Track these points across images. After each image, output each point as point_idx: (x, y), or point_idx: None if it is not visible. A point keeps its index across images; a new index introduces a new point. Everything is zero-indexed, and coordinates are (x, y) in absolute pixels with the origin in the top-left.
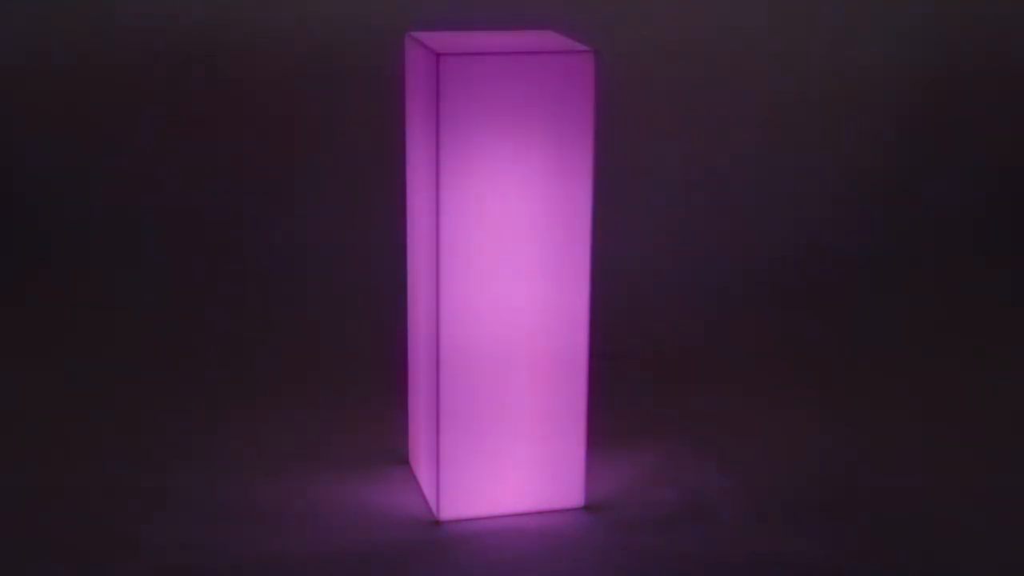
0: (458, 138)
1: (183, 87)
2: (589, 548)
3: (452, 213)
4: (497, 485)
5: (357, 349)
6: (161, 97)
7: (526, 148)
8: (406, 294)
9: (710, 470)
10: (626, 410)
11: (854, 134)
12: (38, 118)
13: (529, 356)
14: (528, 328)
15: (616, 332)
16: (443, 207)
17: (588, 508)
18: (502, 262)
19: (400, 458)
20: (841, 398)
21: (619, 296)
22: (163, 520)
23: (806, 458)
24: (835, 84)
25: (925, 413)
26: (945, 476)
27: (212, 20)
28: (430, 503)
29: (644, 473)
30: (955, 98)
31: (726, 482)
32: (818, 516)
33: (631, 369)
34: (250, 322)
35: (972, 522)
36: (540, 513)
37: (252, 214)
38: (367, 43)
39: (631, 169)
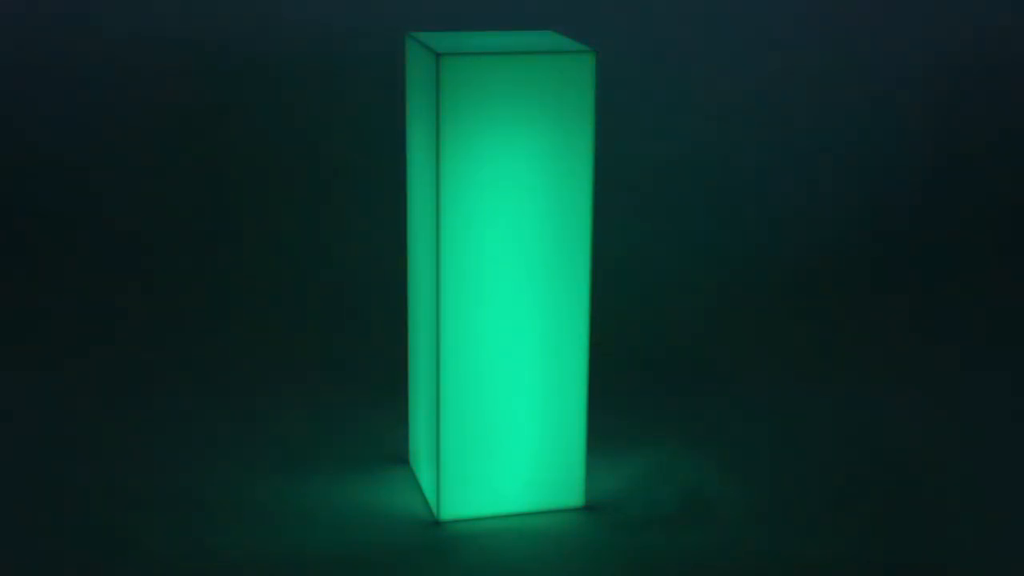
0: (458, 138)
1: (182, 87)
2: (589, 548)
3: (452, 213)
4: (497, 485)
5: (357, 349)
6: (159, 96)
7: (526, 148)
8: (406, 294)
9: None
10: (626, 410)
11: (857, 134)
12: (37, 115)
13: (529, 356)
14: (528, 328)
15: (616, 332)
16: (443, 207)
17: (588, 508)
18: (502, 262)
19: (400, 458)
20: (842, 397)
21: (619, 296)
22: (163, 520)
23: (807, 457)
24: (838, 83)
25: (928, 412)
26: (947, 475)
27: (212, 20)
28: (430, 503)
29: (644, 473)
30: (963, 97)
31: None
32: (819, 515)
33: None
34: (250, 322)
35: (974, 521)
36: (540, 513)
37: (252, 213)
38: (367, 43)
39: (631, 169)
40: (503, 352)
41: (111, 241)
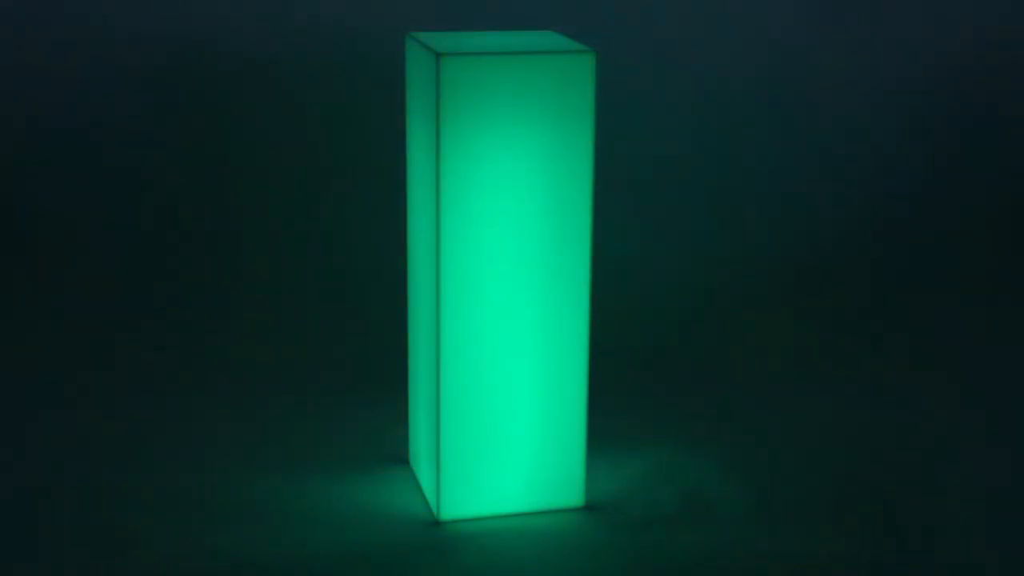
0: (458, 138)
1: (182, 87)
2: (589, 548)
3: (452, 213)
4: (497, 485)
5: (357, 349)
6: (159, 96)
7: (526, 148)
8: (406, 294)
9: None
10: (626, 410)
11: (857, 134)
12: (36, 113)
13: (529, 356)
14: (528, 328)
15: (616, 332)
16: (443, 207)
17: (588, 508)
18: (502, 261)
19: (400, 458)
20: (842, 397)
21: (619, 296)
22: (163, 520)
23: (807, 457)
24: (838, 83)
25: (928, 411)
26: (947, 475)
27: (212, 20)
28: (430, 503)
29: (644, 473)
30: (964, 97)
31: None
32: (819, 515)
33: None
34: (250, 322)
35: (974, 521)
36: (540, 513)
37: (252, 213)
38: (367, 43)
39: (631, 169)
40: (503, 352)
41: (111, 241)
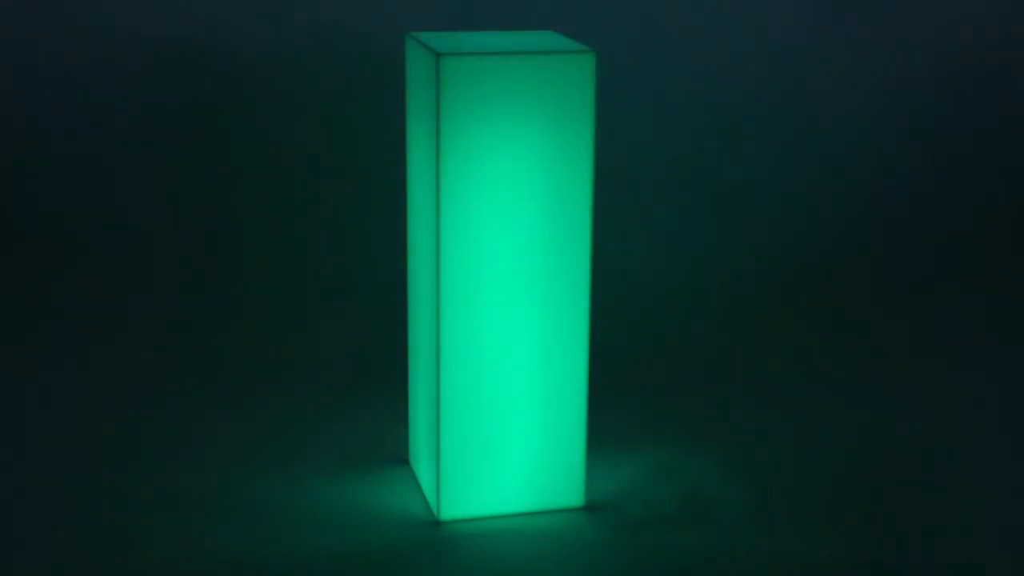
0: (458, 138)
1: (183, 87)
2: (589, 548)
3: (452, 212)
4: (497, 485)
5: (357, 349)
6: (160, 96)
7: (526, 148)
8: (406, 294)
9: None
10: (626, 410)
11: (857, 134)
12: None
13: (529, 356)
14: (528, 328)
15: (616, 332)
16: (443, 206)
17: (588, 508)
18: (502, 261)
19: (400, 458)
20: (842, 397)
21: (619, 296)
22: (163, 520)
23: (807, 457)
24: (838, 83)
25: (928, 412)
26: (947, 475)
27: (212, 20)
28: (430, 503)
29: (644, 473)
30: (964, 97)
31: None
32: (819, 515)
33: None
34: (251, 321)
35: (974, 521)
36: (540, 513)
37: (252, 213)
38: (367, 43)
39: (631, 169)
40: (503, 352)
41: (111, 241)
